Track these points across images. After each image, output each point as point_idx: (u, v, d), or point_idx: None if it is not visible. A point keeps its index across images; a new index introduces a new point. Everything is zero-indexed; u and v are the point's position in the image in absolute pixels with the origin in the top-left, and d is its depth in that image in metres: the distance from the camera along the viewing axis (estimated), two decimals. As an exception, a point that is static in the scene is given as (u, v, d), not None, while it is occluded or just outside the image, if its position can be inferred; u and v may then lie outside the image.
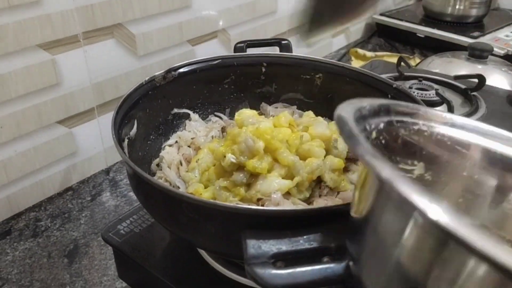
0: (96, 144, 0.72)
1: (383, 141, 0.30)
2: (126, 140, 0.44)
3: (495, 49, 1.00)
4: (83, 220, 0.65)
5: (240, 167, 0.43)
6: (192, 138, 0.51)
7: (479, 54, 0.92)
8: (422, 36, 1.17)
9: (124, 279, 0.53)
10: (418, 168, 0.34)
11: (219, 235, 0.34)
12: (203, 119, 0.56)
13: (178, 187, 0.46)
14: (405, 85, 0.75)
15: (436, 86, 0.74)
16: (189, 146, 0.51)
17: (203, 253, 0.46)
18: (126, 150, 0.42)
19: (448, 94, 0.74)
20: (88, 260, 0.59)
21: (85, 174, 0.72)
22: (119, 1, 0.66)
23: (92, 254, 0.60)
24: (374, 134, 0.30)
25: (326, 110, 0.56)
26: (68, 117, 0.66)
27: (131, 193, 0.69)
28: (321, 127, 0.47)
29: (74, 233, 0.63)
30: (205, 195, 0.42)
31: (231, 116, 0.57)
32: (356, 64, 1.08)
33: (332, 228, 0.30)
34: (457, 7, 1.20)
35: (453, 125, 0.34)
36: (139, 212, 0.52)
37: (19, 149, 0.62)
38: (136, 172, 0.35)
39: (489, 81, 0.78)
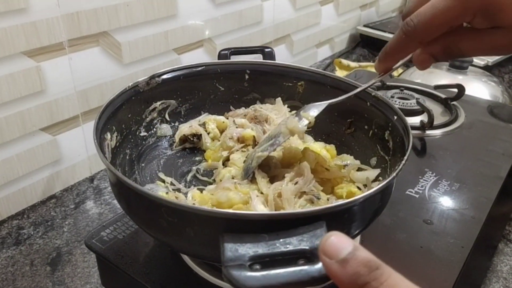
0: (80, 151, 0.72)
1: None
2: (109, 146, 0.44)
3: (475, 60, 1.03)
4: (66, 228, 0.65)
5: None
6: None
7: (459, 65, 0.95)
8: (405, 47, 1.19)
9: (108, 286, 0.53)
10: None
11: (198, 239, 0.34)
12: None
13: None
14: (387, 94, 0.76)
15: (417, 96, 0.76)
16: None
17: (186, 259, 0.46)
18: (108, 155, 0.43)
19: (429, 103, 0.75)
20: (71, 268, 0.58)
21: (68, 182, 0.72)
22: (105, 9, 0.66)
23: (75, 262, 0.59)
24: None
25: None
26: (52, 124, 0.66)
27: (115, 201, 0.69)
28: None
29: (57, 241, 0.62)
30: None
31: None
32: (340, 74, 1.10)
33: (308, 231, 0.30)
34: (439, 19, 1.22)
35: None
36: (123, 219, 0.52)
37: (2, 156, 0.61)
38: (117, 177, 0.35)
39: (469, 91, 0.80)
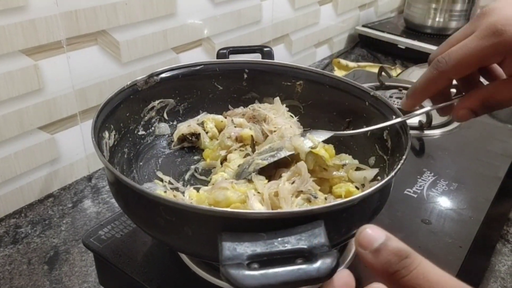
0: (78, 150, 0.71)
1: None
2: (107, 144, 0.44)
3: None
4: (64, 227, 0.64)
5: None
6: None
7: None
8: (403, 47, 1.20)
9: (105, 285, 0.53)
10: None
11: (196, 238, 0.34)
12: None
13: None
14: (386, 94, 0.76)
15: (415, 95, 0.76)
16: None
17: (184, 258, 0.46)
18: (106, 154, 0.43)
19: (427, 103, 0.75)
20: (69, 267, 0.58)
21: (66, 180, 0.72)
22: (104, 7, 0.66)
23: (73, 261, 0.59)
24: None
25: (307, 118, 0.57)
26: (50, 123, 0.66)
27: (113, 200, 0.69)
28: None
29: (54, 240, 0.62)
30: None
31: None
32: (338, 74, 1.10)
33: (306, 230, 0.30)
34: (437, 19, 1.23)
35: None
36: (121, 217, 0.52)
37: (0, 155, 0.61)
38: (115, 176, 0.35)
39: (467, 91, 0.80)
